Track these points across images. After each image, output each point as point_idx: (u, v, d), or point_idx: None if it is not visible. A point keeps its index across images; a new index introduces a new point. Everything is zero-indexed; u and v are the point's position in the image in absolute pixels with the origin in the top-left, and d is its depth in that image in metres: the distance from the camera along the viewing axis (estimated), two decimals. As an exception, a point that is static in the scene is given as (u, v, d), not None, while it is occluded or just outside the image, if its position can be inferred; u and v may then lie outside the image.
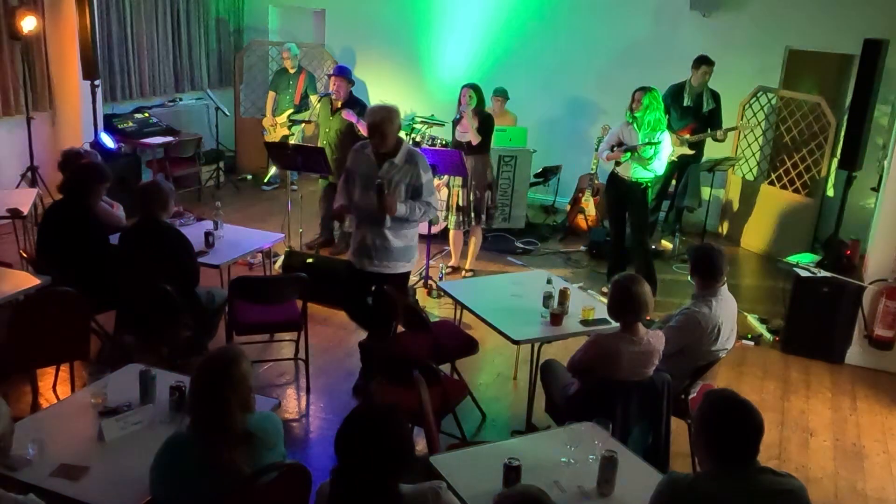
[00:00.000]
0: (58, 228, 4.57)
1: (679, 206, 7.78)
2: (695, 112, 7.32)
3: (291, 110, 8.52)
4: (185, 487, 2.48)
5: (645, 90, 5.88)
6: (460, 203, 6.36)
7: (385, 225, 4.36)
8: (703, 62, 7.18)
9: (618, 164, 6.04)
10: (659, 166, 5.96)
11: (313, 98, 8.48)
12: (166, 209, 4.48)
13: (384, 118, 4.26)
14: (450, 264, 6.73)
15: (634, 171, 5.95)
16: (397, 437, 2.19)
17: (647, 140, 5.81)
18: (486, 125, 6.24)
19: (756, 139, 7.90)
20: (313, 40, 9.78)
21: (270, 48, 9.73)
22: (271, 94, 8.74)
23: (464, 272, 6.62)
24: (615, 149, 5.98)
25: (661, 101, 5.93)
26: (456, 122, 6.42)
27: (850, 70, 7.36)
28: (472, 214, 6.38)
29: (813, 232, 7.24)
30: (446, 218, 6.58)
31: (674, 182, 7.64)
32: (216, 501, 2.47)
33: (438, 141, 7.71)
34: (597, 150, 7.61)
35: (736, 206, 8.01)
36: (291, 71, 8.57)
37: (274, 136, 8.51)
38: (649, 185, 6.11)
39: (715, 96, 7.34)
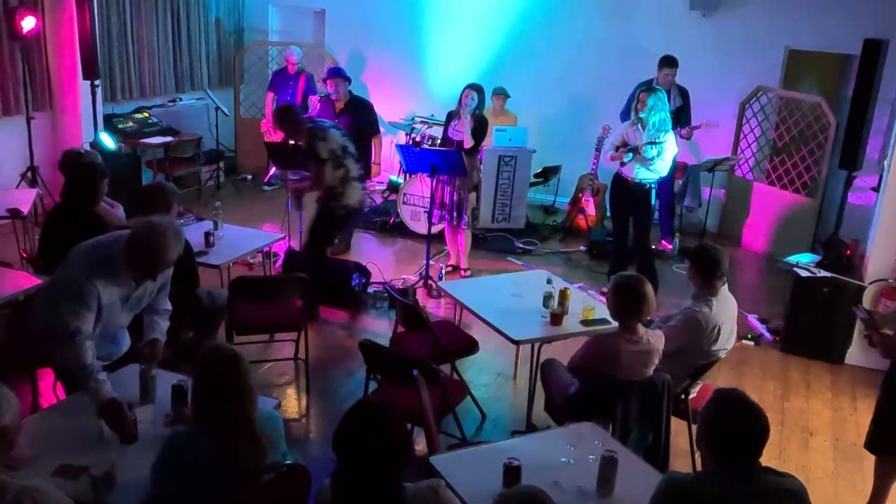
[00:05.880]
0: (63, 231, 4.55)
1: (679, 205, 7.78)
2: None
3: None
4: (191, 485, 2.46)
5: (649, 91, 5.85)
6: (444, 200, 6.37)
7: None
8: (664, 64, 7.00)
9: (622, 164, 6.02)
10: (662, 167, 5.95)
11: (313, 99, 8.48)
12: (169, 211, 4.45)
13: (174, 253, 3.27)
14: (449, 263, 6.75)
15: (638, 172, 5.93)
16: (396, 431, 2.19)
17: (650, 140, 5.81)
18: (480, 129, 6.23)
19: (756, 139, 7.90)
20: (313, 40, 9.78)
21: (270, 48, 9.73)
22: (270, 94, 8.71)
23: (462, 272, 6.63)
24: (619, 149, 5.98)
25: (666, 102, 5.90)
26: (451, 117, 6.40)
27: (850, 70, 7.36)
28: (455, 213, 6.39)
29: (813, 232, 7.24)
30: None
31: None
32: (224, 498, 2.46)
33: (438, 140, 7.72)
34: (597, 150, 7.63)
35: (736, 206, 8.01)
36: (293, 72, 8.57)
37: (275, 136, 8.48)
38: (653, 185, 6.10)
39: (683, 94, 7.18)
